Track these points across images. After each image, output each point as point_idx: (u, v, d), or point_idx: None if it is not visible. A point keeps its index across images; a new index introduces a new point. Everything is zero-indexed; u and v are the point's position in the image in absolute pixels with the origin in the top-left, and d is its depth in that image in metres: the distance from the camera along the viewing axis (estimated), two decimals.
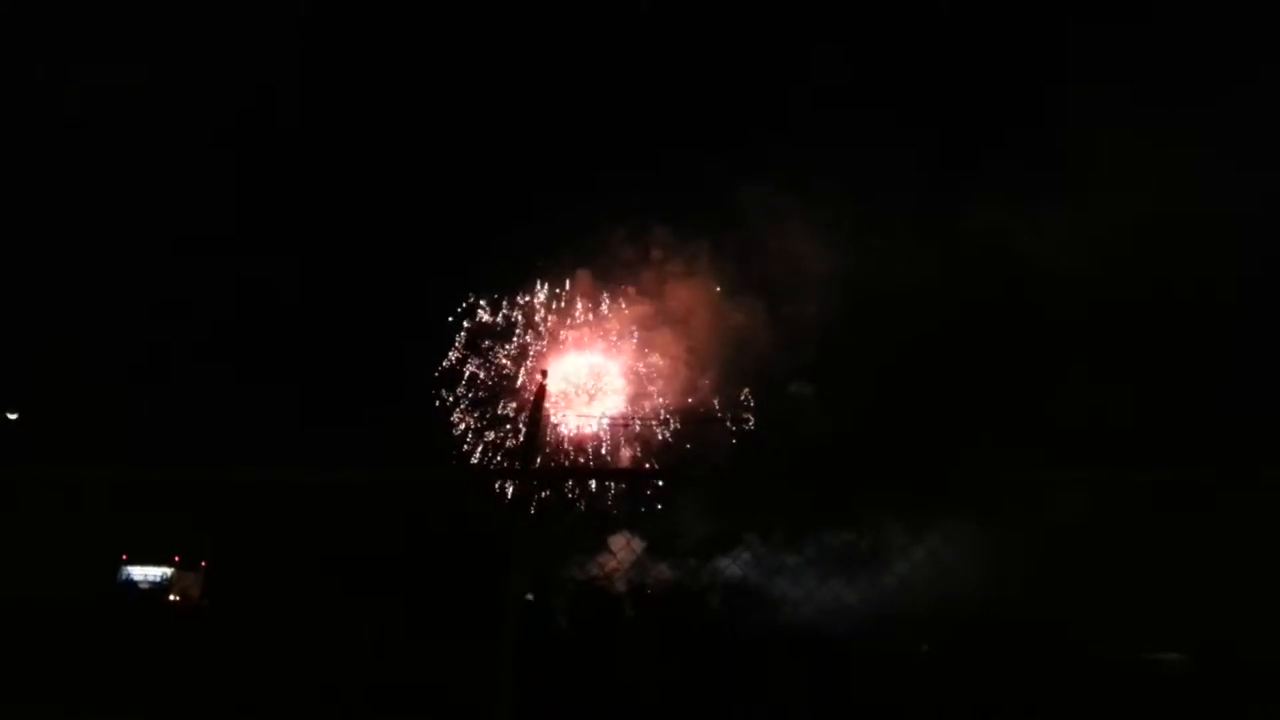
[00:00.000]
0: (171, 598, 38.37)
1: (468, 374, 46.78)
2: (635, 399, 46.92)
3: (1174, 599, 25.73)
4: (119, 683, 12.46)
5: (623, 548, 37.02)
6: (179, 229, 52.85)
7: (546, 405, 43.68)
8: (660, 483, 48.93)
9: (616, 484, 46.34)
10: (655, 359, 47.32)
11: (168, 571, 40.51)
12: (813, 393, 46.05)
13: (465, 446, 46.43)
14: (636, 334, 47.44)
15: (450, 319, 47.45)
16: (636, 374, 46.95)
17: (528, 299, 47.46)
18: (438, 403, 46.90)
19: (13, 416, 42.13)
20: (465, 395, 46.74)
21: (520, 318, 47.10)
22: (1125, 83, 42.59)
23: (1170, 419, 34.67)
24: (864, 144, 47.96)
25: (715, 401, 47.02)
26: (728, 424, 45.89)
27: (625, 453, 45.67)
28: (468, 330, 47.35)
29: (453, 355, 47.01)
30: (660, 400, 46.63)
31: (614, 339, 47.29)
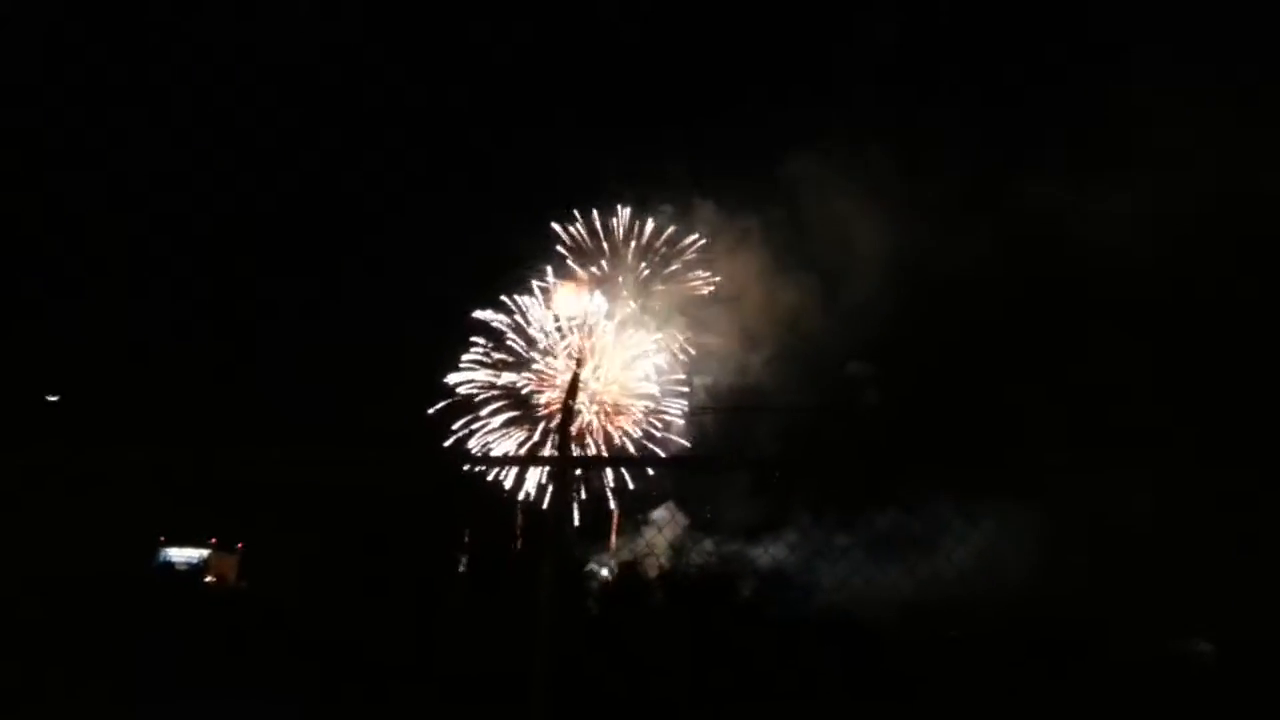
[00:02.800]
0: (208, 579, 38.81)
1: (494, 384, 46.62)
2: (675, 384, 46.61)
3: (1208, 589, 25.44)
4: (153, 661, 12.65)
5: (666, 523, 36.87)
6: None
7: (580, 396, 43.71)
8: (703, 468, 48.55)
9: (654, 469, 46.23)
10: (708, 339, 46.81)
11: (204, 553, 40.94)
12: (872, 373, 45.56)
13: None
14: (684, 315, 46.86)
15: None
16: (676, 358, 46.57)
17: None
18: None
19: (53, 399, 42.84)
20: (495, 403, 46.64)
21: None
22: (1191, 60, 41.74)
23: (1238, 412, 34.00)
24: (924, 121, 47.57)
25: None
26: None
27: (677, 427, 45.46)
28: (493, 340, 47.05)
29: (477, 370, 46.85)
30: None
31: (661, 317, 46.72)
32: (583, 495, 44.65)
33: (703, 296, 47.29)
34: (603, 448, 44.69)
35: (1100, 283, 41.46)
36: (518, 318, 46.40)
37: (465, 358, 46.32)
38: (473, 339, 46.66)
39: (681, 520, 38.09)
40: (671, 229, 47.81)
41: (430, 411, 45.54)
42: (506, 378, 46.11)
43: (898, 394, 44.60)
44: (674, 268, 47.54)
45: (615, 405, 45.51)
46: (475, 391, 46.15)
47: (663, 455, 42.17)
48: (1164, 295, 39.64)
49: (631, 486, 44.16)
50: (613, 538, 43.83)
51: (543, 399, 45.86)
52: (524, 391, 46.10)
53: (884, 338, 44.63)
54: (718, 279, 47.37)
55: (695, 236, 47.74)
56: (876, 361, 46.17)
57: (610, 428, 45.57)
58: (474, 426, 46.04)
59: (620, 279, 46.89)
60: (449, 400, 46.13)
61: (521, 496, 44.27)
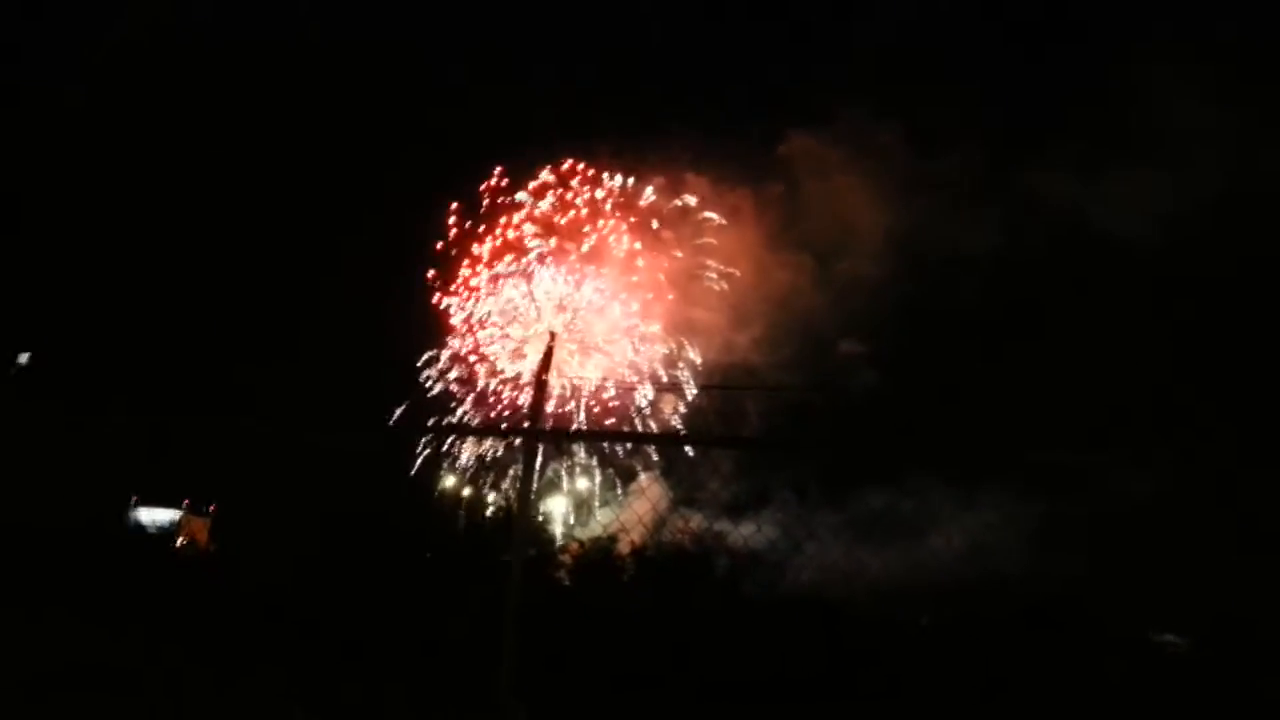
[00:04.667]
0: (179, 541, 38.45)
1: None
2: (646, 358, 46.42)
3: (1184, 580, 25.66)
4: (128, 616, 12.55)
5: (641, 498, 36.83)
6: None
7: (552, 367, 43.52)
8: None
9: (628, 446, 46.06)
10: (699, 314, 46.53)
11: (176, 515, 40.55)
12: (865, 352, 45.39)
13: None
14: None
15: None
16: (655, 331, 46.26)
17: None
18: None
19: (23, 359, 42.32)
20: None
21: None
22: (1199, 52, 41.50)
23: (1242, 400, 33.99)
24: (922, 99, 47.39)
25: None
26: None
27: (666, 409, 45.36)
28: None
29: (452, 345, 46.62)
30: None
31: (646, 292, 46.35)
32: (564, 469, 44.78)
33: (695, 270, 47.13)
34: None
35: (1106, 265, 41.34)
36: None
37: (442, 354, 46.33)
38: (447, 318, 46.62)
39: (662, 491, 38.06)
40: (694, 199, 47.46)
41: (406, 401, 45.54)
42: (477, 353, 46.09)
43: (894, 373, 44.59)
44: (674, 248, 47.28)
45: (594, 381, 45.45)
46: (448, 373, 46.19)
47: (637, 431, 42.20)
48: (1169, 281, 39.55)
49: (610, 464, 44.26)
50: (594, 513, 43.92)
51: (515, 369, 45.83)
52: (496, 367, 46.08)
53: (879, 316, 44.54)
54: (711, 262, 47.24)
55: (711, 215, 47.53)
56: (872, 340, 46.08)
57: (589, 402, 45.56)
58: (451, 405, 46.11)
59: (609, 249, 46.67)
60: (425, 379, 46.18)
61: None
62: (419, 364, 46.75)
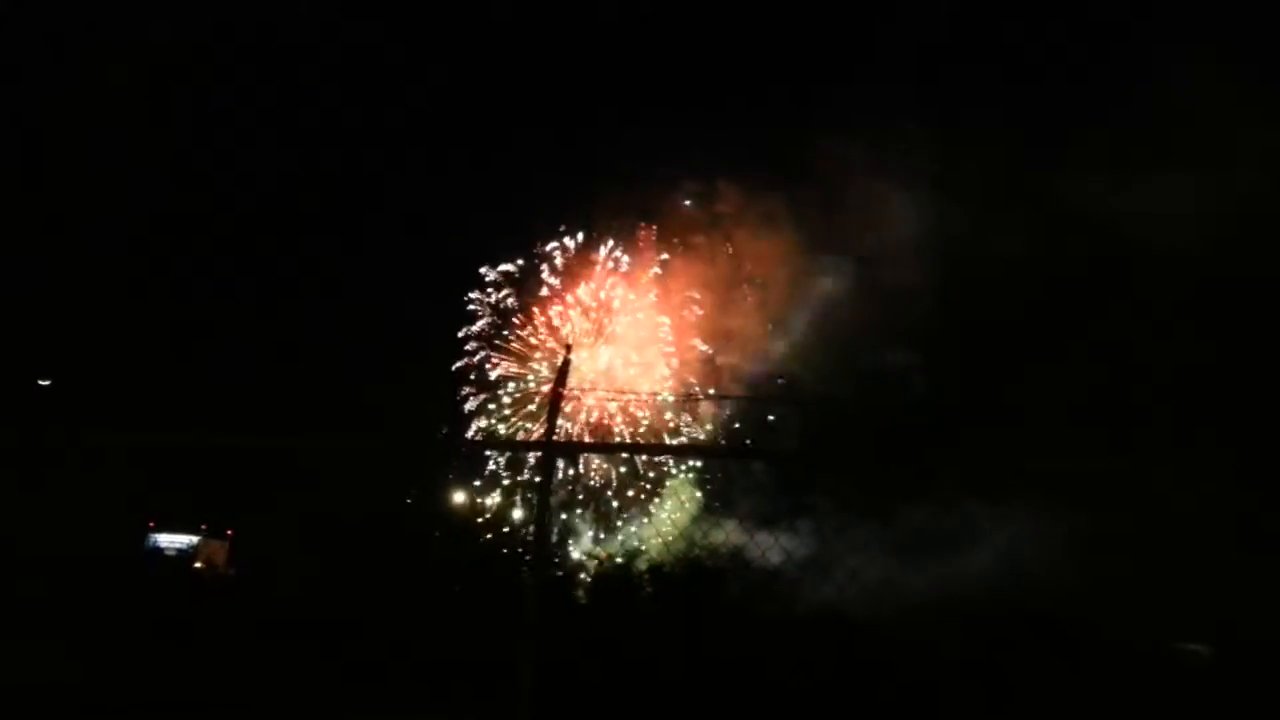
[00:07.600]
0: (197, 565, 38.68)
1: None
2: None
3: (1206, 589, 25.33)
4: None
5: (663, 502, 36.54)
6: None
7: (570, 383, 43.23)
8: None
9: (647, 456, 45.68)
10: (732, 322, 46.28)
11: (194, 539, 40.82)
12: (918, 363, 44.84)
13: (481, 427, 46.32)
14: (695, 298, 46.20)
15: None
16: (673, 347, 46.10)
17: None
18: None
19: (44, 383, 42.61)
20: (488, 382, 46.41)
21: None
22: (1239, 46, 40.95)
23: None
24: (962, 100, 46.88)
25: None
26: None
27: (700, 421, 45.11)
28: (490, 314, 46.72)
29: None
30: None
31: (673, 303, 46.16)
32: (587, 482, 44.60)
33: (728, 277, 46.88)
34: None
35: (1144, 277, 40.76)
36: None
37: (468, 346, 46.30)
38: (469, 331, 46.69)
39: (683, 503, 37.78)
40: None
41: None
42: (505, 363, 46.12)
43: (932, 387, 44.10)
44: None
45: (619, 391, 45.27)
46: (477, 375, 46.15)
47: (652, 443, 42.04)
48: (1210, 291, 38.95)
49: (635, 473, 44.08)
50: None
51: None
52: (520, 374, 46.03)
53: (912, 325, 44.05)
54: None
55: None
56: (906, 350, 45.59)
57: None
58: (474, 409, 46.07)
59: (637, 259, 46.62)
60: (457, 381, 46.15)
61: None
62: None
